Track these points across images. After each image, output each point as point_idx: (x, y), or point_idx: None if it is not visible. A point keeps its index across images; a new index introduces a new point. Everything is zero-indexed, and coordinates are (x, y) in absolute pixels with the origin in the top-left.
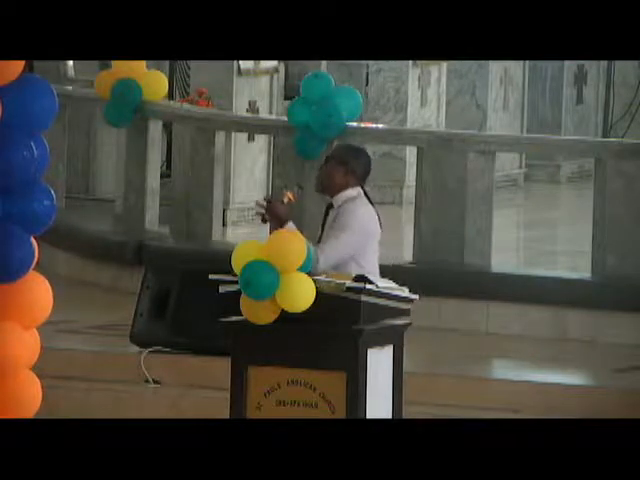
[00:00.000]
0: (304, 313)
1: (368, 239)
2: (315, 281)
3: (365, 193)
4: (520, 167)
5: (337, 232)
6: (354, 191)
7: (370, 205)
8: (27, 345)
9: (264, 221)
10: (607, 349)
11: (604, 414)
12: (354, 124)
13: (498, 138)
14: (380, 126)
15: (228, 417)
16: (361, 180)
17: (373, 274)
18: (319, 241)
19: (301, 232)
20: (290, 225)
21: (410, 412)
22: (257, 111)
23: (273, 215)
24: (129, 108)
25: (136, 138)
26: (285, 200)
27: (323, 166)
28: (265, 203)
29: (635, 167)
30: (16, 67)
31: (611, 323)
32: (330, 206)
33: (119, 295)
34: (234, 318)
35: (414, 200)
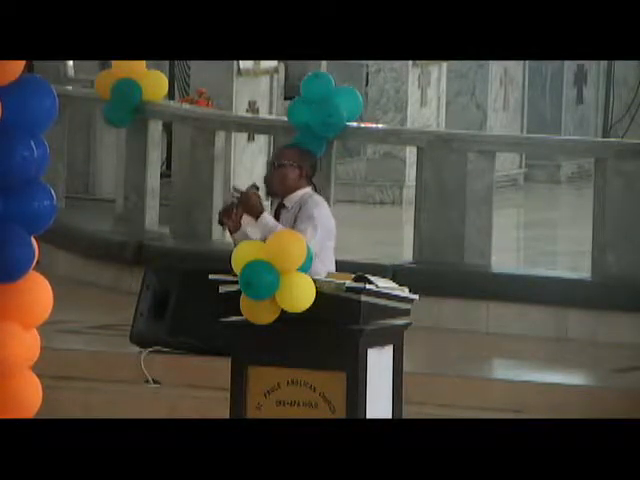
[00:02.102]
0: (304, 313)
1: (330, 234)
2: (315, 281)
3: (315, 190)
4: (520, 167)
5: (309, 227)
6: (307, 189)
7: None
8: (27, 345)
9: (221, 223)
10: (607, 349)
11: (604, 414)
12: (354, 124)
13: (498, 138)
14: (380, 126)
15: (228, 417)
16: (310, 180)
17: (331, 269)
18: None
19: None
20: (266, 215)
21: (410, 412)
22: (257, 111)
23: (248, 206)
24: (129, 108)
25: (136, 138)
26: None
27: (275, 169)
28: (237, 196)
29: (635, 167)
30: (16, 67)
31: (611, 323)
32: (281, 206)
33: (119, 295)
34: (234, 318)
35: (414, 200)
